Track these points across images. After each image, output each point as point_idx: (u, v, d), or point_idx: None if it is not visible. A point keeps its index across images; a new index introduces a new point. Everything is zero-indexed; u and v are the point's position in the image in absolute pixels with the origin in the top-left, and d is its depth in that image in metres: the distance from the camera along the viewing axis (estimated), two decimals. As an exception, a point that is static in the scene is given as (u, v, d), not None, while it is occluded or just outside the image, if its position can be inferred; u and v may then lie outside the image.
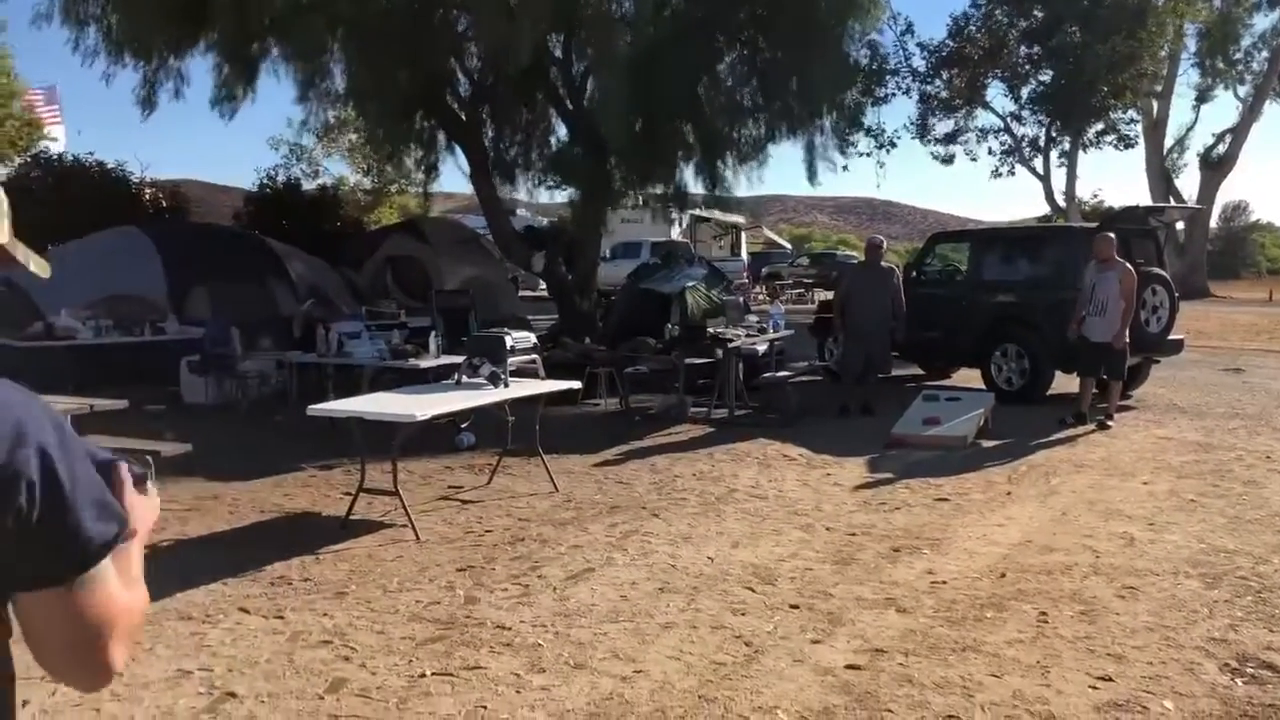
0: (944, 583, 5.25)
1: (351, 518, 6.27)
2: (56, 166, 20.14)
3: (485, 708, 3.72)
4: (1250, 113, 35.83)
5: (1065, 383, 11.17)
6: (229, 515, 6.52)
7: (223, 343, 10.50)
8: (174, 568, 5.27)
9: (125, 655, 1.28)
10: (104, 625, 1.24)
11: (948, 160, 32.64)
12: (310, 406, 6.51)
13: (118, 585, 1.27)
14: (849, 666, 4.14)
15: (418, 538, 5.97)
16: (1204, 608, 4.90)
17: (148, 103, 13.68)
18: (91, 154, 20.38)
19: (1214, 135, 37.86)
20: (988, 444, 9.10)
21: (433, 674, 4.03)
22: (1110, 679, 4.03)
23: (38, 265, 1.46)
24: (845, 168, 27.61)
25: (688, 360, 10.52)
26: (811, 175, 14.43)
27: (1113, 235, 10.16)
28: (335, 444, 7.81)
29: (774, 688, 3.92)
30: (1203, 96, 36.55)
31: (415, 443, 7.18)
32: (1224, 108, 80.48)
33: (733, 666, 4.14)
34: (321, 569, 5.40)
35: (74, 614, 1.22)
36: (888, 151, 28.86)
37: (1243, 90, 36.34)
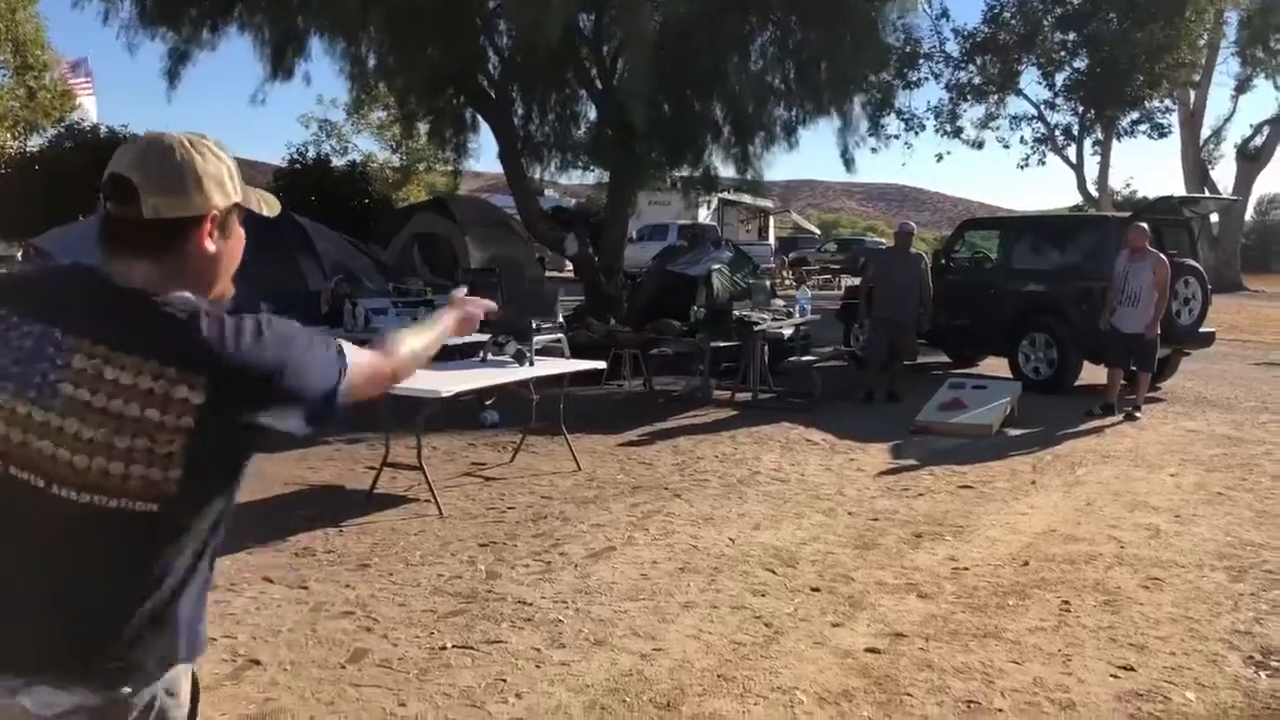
0: (966, 569, 5.23)
1: (375, 491, 6.32)
2: (89, 138, 20.29)
3: (505, 681, 3.75)
4: (1289, 104, 35.26)
5: (1093, 374, 11.08)
6: (254, 486, 6.57)
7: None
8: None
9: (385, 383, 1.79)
10: (372, 389, 1.73)
11: (979, 145, 32.32)
12: (336, 381, 6.54)
13: (366, 373, 1.70)
14: (869, 650, 4.14)
15: (440, 513, 6.00)
16: (1228, 600, 4.86)
17: (174, 75, 13.73)
18: (125, 126, 20.55)
19: (1252, 126, 37.32)
20: (1013, 432, 9.05)
21: (453, 646, 4.06)
22: (1132, 669, 4.01)
23: (269, 206, 1.71)
24: (875, 150, 27.41)
25: (713, 343, 10.50)
26: (847, 161, 14.35)
27: (1146, 225, 10.05)
28: (360, 418, 7.85)
29: (793, 669, 3.93)
30: (1242, 86, 35.95)
31: (440, 419, 7.21)
32: (1263, 98, 79.37)
33: (752, 647, 4.14)
34: (345, 541, 5.44)
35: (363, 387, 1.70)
36: (916, 134, 28.65)
37: (1283, 80, 35.75)
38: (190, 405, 1.44)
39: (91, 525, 1.44)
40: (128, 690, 1.48)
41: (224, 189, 1.56)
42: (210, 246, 1.56)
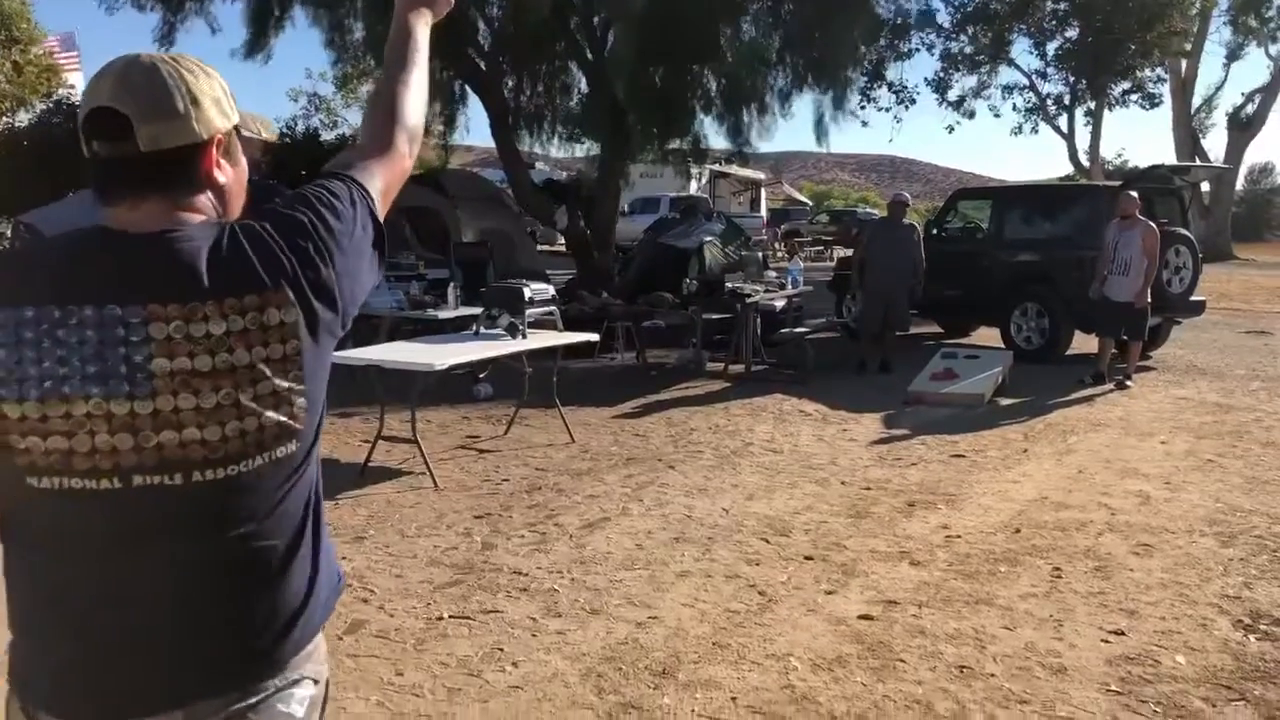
0: (958, 537, 5.27)
1: (370, 465, 6.33)
2: (77, 113, 20.12)
3: (502, 650, 3.78)
4: (1281, 71, 35.22)
5: (1084, 343, 11.12)
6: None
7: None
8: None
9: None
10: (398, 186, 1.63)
11: (970, 115, 32.22)
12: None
13: (386, 191, 1.58)
14: (862, 617, 4.17)
15: (436, 485, 6.02)
16: (1218, 565, 4.90)
17: (165, 42, 13.63)
18: (113, 101, 20.35)
19: (1243, 94, 37.29)
20: (1005, 402, 9.09)
21: (450, 617, 4.08)
22: (1123, 633, 4.05)
23: (267, 129, 1.61)
24: (865, 124, 27.39)
25: (705, 315, 10.51)
26: (820, 133, 14.28)
27: (1136, 194, 10.05)
28: (354, 392, 7.85)
29: (787, 636, 3.96)
30: (1233, 54, 35.87)
31: (433, 392, 7.23)
32: (1255, 66, 79.11)
33: (746, 615, 4.17)
34: (340, 514, 5.46)
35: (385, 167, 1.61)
36: (907, 107, 28.58)
37: (1274, 49, 35.66)
38: (288, 326, 1.33)
39: (234, 497, 1.33)
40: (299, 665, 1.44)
41: (223, 109, 1.40)
42: (219, 176, 1.41)
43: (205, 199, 1.39)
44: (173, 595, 1.32)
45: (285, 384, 1.34)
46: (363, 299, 1.49)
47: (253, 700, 1.37)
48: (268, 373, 1.32)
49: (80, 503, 1.27)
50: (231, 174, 1.44)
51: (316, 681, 1.47)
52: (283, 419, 1.34)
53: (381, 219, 1.52)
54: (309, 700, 1.45)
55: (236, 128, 1.45)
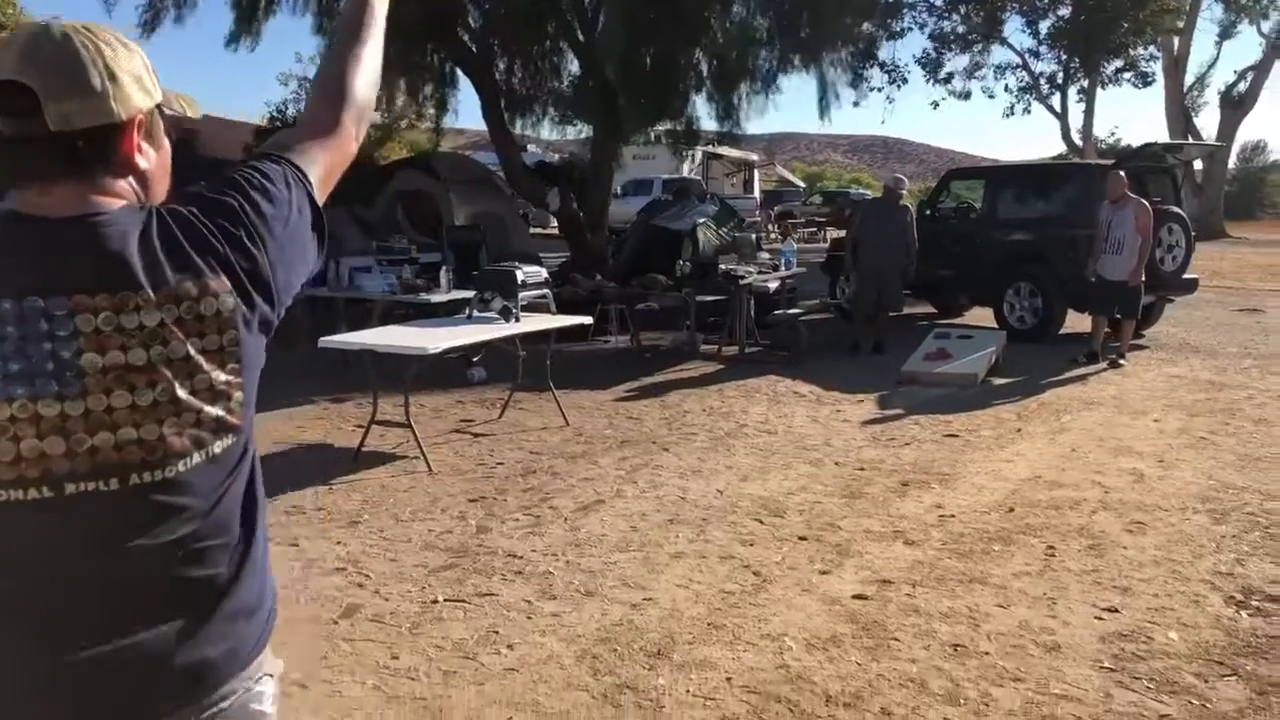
0: (952, 516, 5.28)
1: (364, 449, 6.33)
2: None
3: (497, 632, 3.78)
4: (1273, 49, 35.13)
5: (1077, 322, 11.13)
6: (243, 446, 6.56)
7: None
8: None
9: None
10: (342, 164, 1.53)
11: (964, 96, 32.19)
12: (322, 339, 6.53)
13: (326, 177, 1.48)
14: (856, 596, 4.19)
15: (430, 469, 6.02)
16: (1211, 542, 4.92)
17: (151, 27, 13.51)
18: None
19: (1235, 72, 37.28)
20: (999, 381, 9.10)
21: (445, 600, 4.09)
22: (1116, 610, 4.07)
23: (190, 107, 1.51)
24: (856, 104, 27.35)
25: (699, 297, 10.50)
26: (824, 110, 14.24)
27: (1123, 174, 10.05)
28: (347, 377, 7.85)
29: (782, 616, 3.97)
30: (1225, 32, 35.87)
31: (427, 377, 7.21)
32: (1247, 44, 79.07)
33: (741, 595, 4.18)
34: (335, 499, 5.46)
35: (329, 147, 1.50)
36: (899, 87, 28.53)
37: (1266, 26, 35.62)
38: (225, 315, 1.25)
39: (173, 499, 1.24)
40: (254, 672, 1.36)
41: (145, 87, 1.27)
42: (140, 161, 1.29)
43: (126, 184, 1.28)
44: (120, 609, 1.23)
45: (224, 377, 1.26)
46: (298, 287, 1.41)
47: (224, 705, 1.31)
48: (205, 365, 1.24)
49: (7, 515, 1.17)
50: (154, 157, 1.32)
51: (273, 676, 1.42)
52: (220, 413, 1.27)
53: (321, 203, 1.43)
54: (274, 697, 1.41)
55: (159, 106, 1.33)
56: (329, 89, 1.52)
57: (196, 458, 1.25)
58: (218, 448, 1.28)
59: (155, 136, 1.33)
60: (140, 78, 1.27)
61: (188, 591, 1.28)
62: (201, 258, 1.25)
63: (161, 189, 1.35)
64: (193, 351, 1.23)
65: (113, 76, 1.23)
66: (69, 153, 1.21)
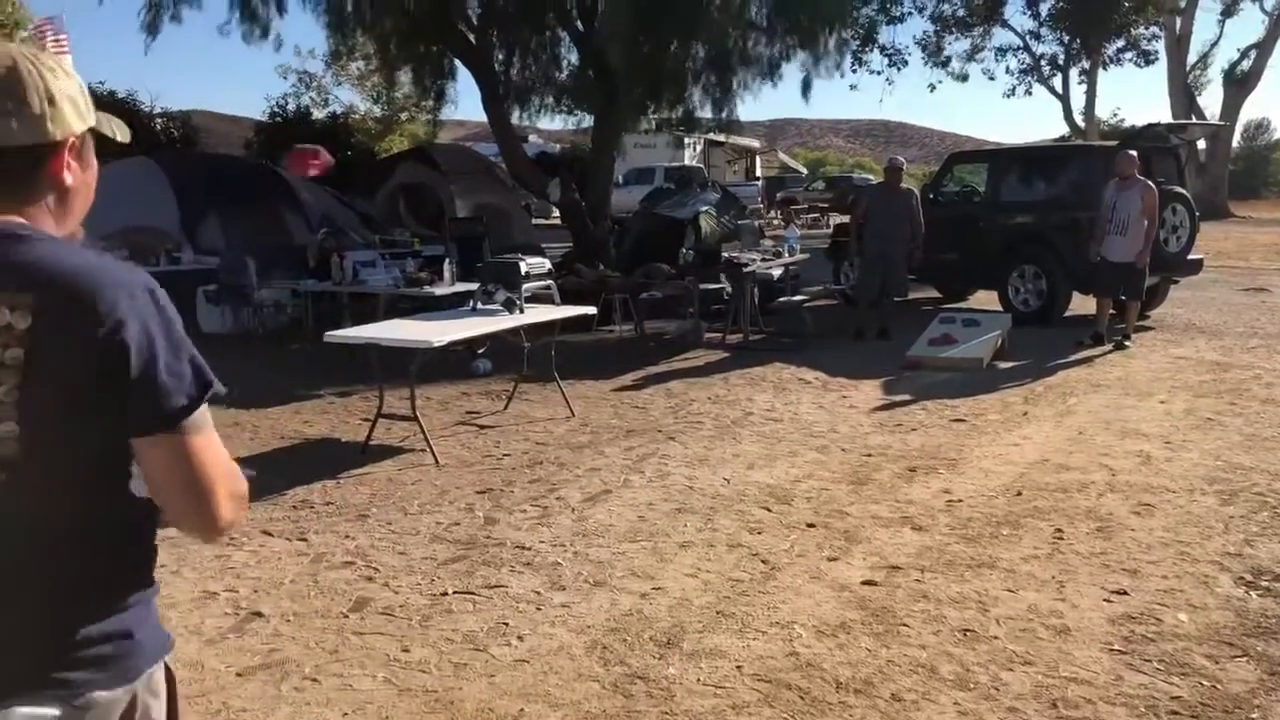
0: (960, 501, 5.28)
1: (371, 443, 6.33)
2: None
3: (507, 624, 3.79)
4: (1276, 26, 34.98)
5: (1082, 304, 11.11)
6: (250, 441, 6.59)
7: (239, 272, 10.50)
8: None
9: (233, 512, 1.39)
10: (210, 471, 1.35)
11: (963, 78, 32.09)
12: (327, 334, 6.54)
13: (219, 443, 1.38)
14: (865, 583, 4.19)
15: (437, 462, 6.02)
16: (1219, 523, 4.92)
17: (153, 28, 13.48)
18: (102, 83, 20.23)
19: (1239, 51, 37.15)
20: (1004, 365, 9.08)
21: (454, 592, 4.09)
22: (1125, 593, 4.07)
23: (120, 131, 1.51)
24: (854, 87, 27.38)
25: (702, 285, 10.49)
26: (805, 89, 14.20)
27: (1134, 153, 10.01)
28: (353, 371, 7.86)
29: (791, 603, 3.98)
30: (1228, 10, 35.68)
31: (432, 369, 7.23)
32: (1249, 22, 78.73)
33: (750, 583, 4.19)
34: (343, 493, 5.46)
35: (182, 457, 1.33)
36: (899, 70, 28.48)
37: (1269, 3, 35.46)
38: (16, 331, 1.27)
39: (22, 497, 1.29)
40: (102, 694, 1.34)
41: (79, 110, 1.36)
42: (68, 179, 1.36)
43: (49, 202, 1.37)
44: None
45: None
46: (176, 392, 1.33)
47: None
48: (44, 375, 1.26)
49: None
50: (81, 179, 1.40)
51: None
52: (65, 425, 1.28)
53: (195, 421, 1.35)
54: None
55: (91, 129, 1.41)
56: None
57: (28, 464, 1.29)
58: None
59: (84, 157, 1.41)
60: (77, 101, 1.36)
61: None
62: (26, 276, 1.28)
63: (82, 204, 1.42)
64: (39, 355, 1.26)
65: (52, 99, 1.32)
66: (2, 167, 1.30)
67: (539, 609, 3.93)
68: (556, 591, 4.10)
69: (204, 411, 1.35)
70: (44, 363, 1.26)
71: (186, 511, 1.37)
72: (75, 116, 1.35)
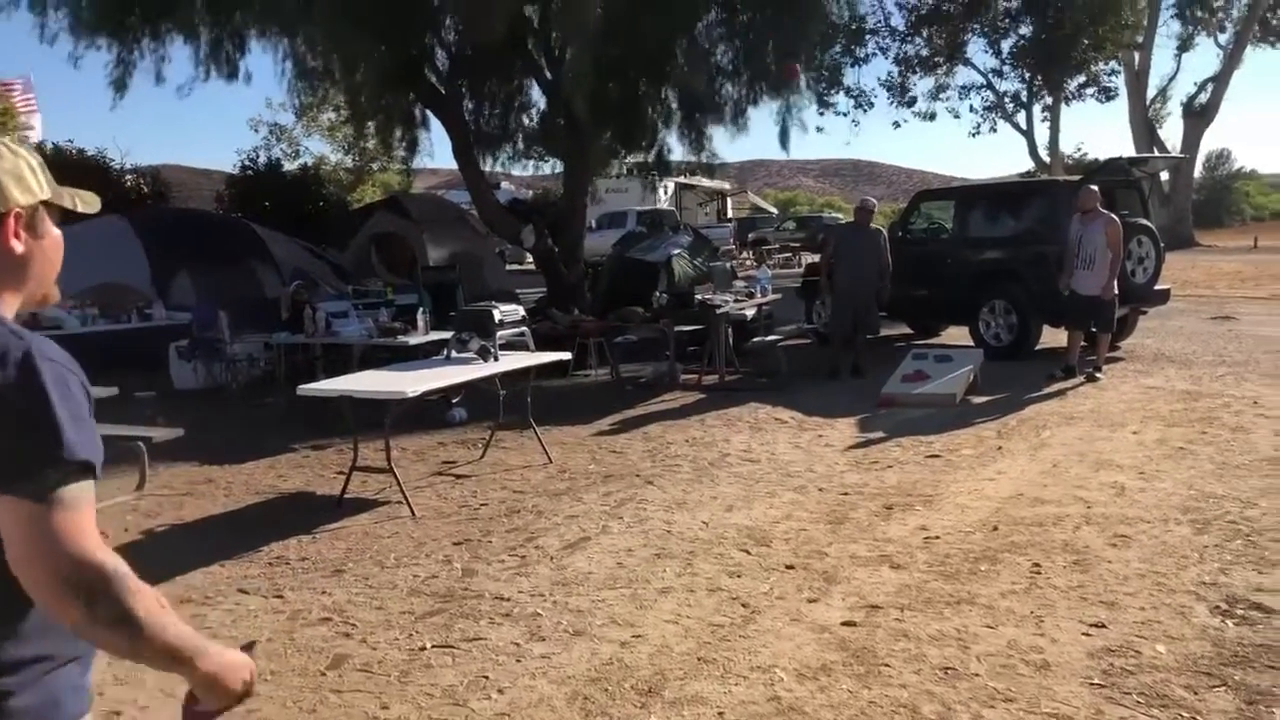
0: (937, 538, 5.29)
1: (346, 496, 6.29)
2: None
3: (487, 678, 3.76)
4: (1231, 60, 35.74)
5: (1053, 337, 11.22)
6: (224, 498, 6.53)
7: (210, 326, 10.46)
8: (171, 551, 5.30)
9: (80, 612, 1.31)
10: (67, 553, 1.31)
11: (929, 117, 32.55)
12: (301, 386, 6.50)
13: (92, 531, 1.34)
14: (845, 623, 4.18)
15: (413, 514, 5.99)
16: (1194, 553, 4.95)
17: (121, 85, 13.48)
18: (70, 141, 20.19)
19: (1196, 84, 37.83)
20: (978, 400, 9.15)
21: (433, 646, 4.06)
22: (1103, 626, 4.08)
23: (85, 203, 1.60)
24: (820, 129, 27.79)
25: (677, 327, 10.53)
26: (784, 139, 14.33)
27: (1095, 188, 10.16)
28: (327, 424, 7.81)
29: (771, 647, 3.96)
30: (1184, 45, 36.49)
31: (407, 420, 7.20)
32: (1205, 56, 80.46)
33: (730, 628, 4.17)
34: (318, 548, 5.42)
35: (40, 530, 1.31)
36: (865, 111, 28.87)
37: (1223, 38, 36.27)
38: None
39: None
40: None
41: (24, 184, 1.49)
42: (17, 246, 1.48)
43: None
44: None
45: None
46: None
47: None
48: None
49: None
50: (35, 246, 1.52)
51: None
52: None
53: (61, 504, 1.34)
54: None
55: (47, 202, 1.53)
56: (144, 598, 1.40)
57: None
58: None
59: (37, 227, 1.52)
60: (22, 177, 1.49)
61: None
62: None
63: (42, 272, 1.54)
64: None
65: None
66: None
67: (519, 660, 3.90)
68: (536, 642, 4.07)
69: (64, 488, 1.33)
70: None
71: (34, 587, 1.33)
72: (19, 190, 1.48)
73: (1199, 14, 34.04)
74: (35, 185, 1.51)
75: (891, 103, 31.24)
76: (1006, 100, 32.99)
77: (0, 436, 1.32)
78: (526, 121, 15.86)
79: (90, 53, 13.14)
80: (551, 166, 16.58)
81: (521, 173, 18.89)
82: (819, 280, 11.80)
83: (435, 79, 14.54)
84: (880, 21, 29.75)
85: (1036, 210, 11.79)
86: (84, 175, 18.79)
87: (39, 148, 20.82)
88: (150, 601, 1.37)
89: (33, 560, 1.32)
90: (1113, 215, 9.99)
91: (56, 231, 1.56)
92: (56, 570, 1.31)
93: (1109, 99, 31.76)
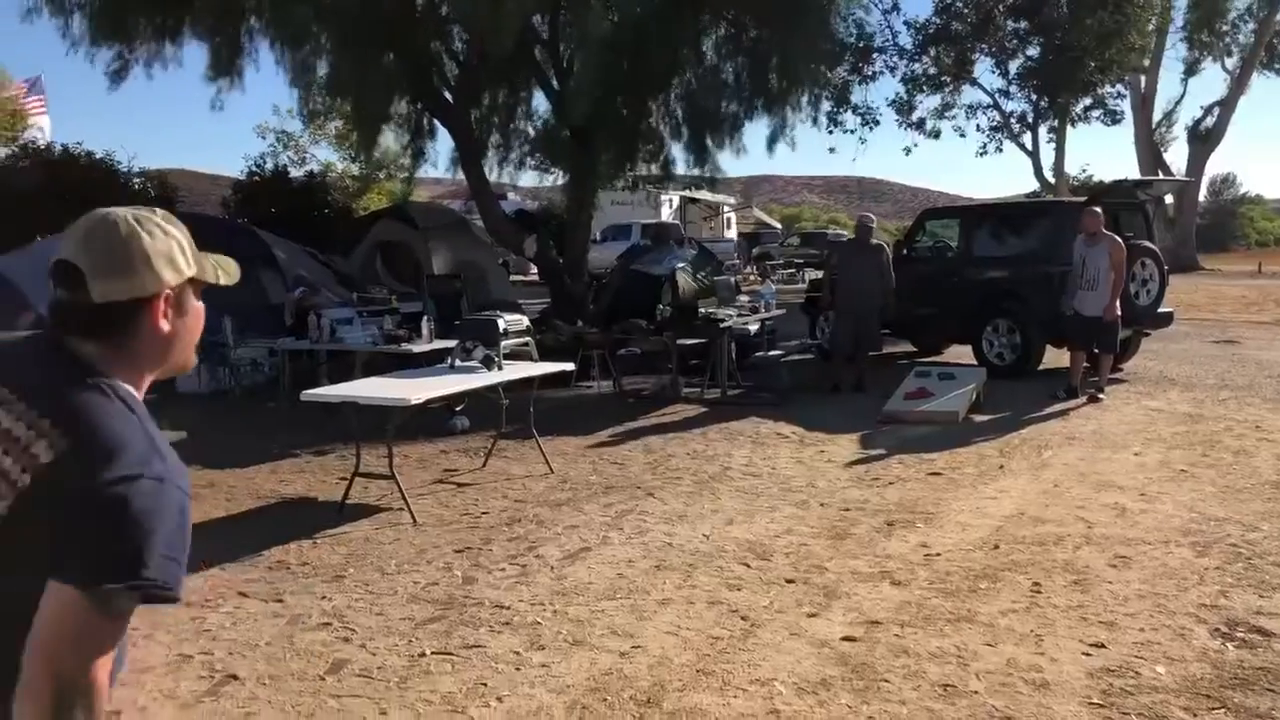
0: (938, 555, 5.29)
1: (348, 502, 6.29)
2: (44, 157, 20.02)
3: (486, 685, 3.76)
4: (1237, 85, 35.79)
5: (1056, 357, 11.22)
6: (226, 502, 6.54)
7: (214, 331, 10.48)
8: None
9: (44, 711, 1.29)
10: (78, 656, 1.31)
11: (935, 135, 32.56)
12: (304, 392, 6.52)
13: (112, 652, 1.35)
14: (845, 638, 4.18)
15: (414, 521, 5.99)
16: (1195, 575, 4.95)
17: (118, 77, 13.58)
18: (80, 144, 20.25)
19: (1202, 108, 37.93)
20: (980, 419, 9.14)
21: (433, 653, 4.06)
22: (1103, 646, 4.08)
23: (226, 274, 1.62)
24: (832, 150, 27.90)
25: (680, 341, 10.54)
26: (770, 143, 14.39)
27: (1099, 210, 10.18)
28: (329, 430, 7.83)
29: (771, 660, 3.96)
30: (1190, 69, 36.49)
31: (410, 427, 7.21)
32: (1212, 80, 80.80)
33: (730, 641, 4.17)
34: (319, 553, 5.42)
35: (74, 624, 1.31)
36: (871, 129, 28.90)
37: (1230, 62, 36.31)
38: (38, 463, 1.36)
39: None
40: None
41: (175, 265, 1.52)
42: (165, 325, 1.52)
43: (147, 345, 1.52)
44: None
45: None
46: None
47: None
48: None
49: None
50: (180, 324, 1.55)
51: None
52: None
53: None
54: None
55: (192, 278, 1.55)
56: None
57: None
58: None
59: (184, 304, 1.55)
60: (173, 258, 1.51)
61: None
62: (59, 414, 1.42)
63: (185, 347, 1.59)
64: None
65: (147, 259, 1.48)
66: (107, 319, 1.47)
67: (518, 669, 3.90)
68: (536, 651, 4.08)
69: (122, 604, 1.34)
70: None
71: (33, 669, 1.31)
72: (170, 271, 1.51)
73: (1206, 39, 34.11)
74: (184, 264, 1.53)
75: (900, 124, 31.28)
76: (1013, 120, 33.03)
77: (101, 537, 1.33)
78: (532, 132, 15.93)
79: (102, 54, 13.23)
80: (555, 178, 16.63)
81: (527, 183, 18.96)
82: (822, 296, 11.82)
83: (442, 88, 14.61)
84: (888, 40, 29.82)
85: (1041, 231, 11.81)
86: (92, 178, 18.88)
87: (48, 149, 20.91)
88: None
89: (48, 646, 1.31)
90: (1116, 237, 10.01)
91: (199, 305, 1.59)
92: (60, 669, 1.30)
93: (1115, 122, 31.73)
